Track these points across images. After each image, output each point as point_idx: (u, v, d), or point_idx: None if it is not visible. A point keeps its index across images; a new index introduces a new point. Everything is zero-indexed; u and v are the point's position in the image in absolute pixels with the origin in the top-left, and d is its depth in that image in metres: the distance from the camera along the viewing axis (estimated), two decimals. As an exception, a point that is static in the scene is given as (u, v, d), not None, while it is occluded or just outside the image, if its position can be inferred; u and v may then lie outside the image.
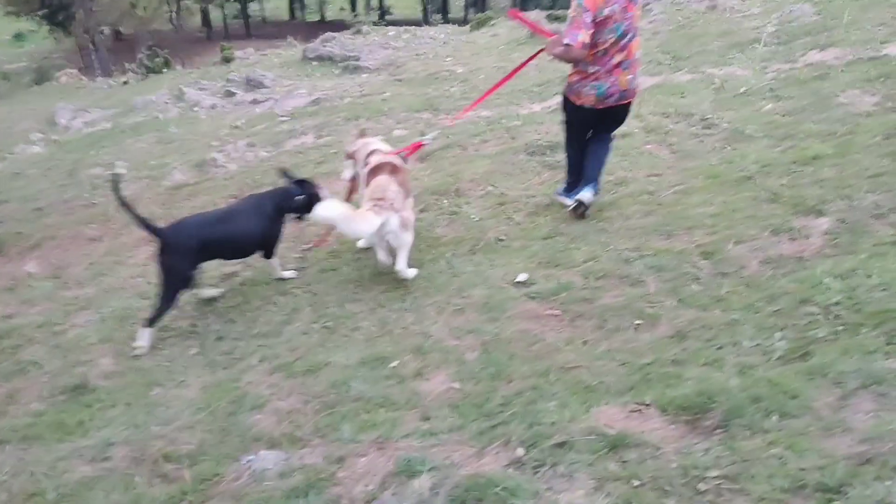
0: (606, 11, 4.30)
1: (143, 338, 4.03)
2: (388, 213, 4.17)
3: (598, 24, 4.32)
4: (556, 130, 6.05)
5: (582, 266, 4.23)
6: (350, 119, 9.74)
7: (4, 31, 42.65)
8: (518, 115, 7.91)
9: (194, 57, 20.94)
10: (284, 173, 4.76)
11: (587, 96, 4.59)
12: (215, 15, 46.75)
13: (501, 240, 4.83)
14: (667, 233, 4.44)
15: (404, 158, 4.78)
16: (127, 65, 20.12)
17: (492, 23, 16.83)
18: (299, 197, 4.58)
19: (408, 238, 4.33)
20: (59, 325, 4.59)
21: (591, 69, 4.49)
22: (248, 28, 45.45)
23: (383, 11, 49.28)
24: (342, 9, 51.73)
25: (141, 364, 3.95)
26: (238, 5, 46.15)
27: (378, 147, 4.80)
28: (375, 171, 4.46)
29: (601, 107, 4.60)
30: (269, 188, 4.94)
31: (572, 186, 5.07)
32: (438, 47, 15.32)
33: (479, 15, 18.91)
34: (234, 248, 4.41)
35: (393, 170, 4.46)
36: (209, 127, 11.05)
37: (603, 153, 4.90)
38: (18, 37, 39.10)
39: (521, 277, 4.19)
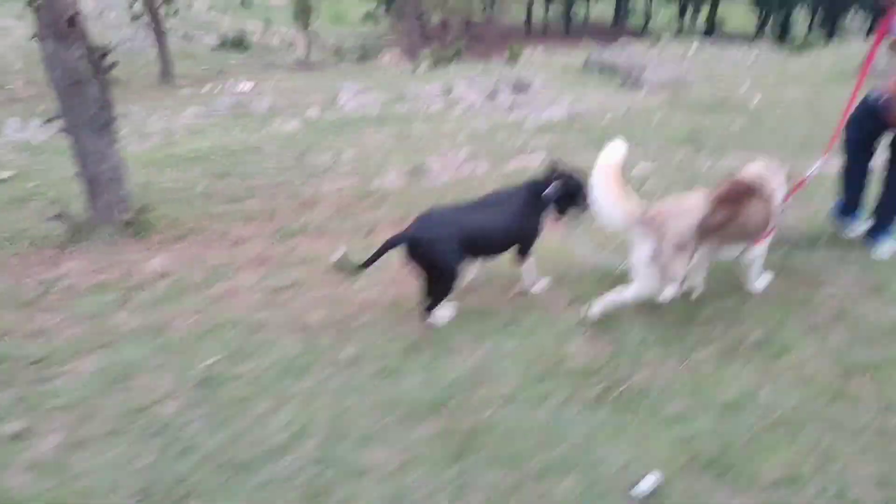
0: None
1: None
2: None
3: None
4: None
5: None
6: (590, 143, 8.45)
7: (358, 11, 47.72)
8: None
9: (495, 51, 20.82)
10: (554, 165, 3.90)
11: None
12: (540, 13, 47.26)
13: None
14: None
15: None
16: (422, 52, 20.73)
17: (813, 48, 14.03)
18: (547, 191, 3.74)
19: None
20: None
21: None
22: (568, 28, 45.14)
23: (713, 24, 45.58)
24: (670, 20, 49.10)
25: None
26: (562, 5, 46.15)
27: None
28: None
29: None
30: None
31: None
32: (741, 70, 13.15)
33: (807, 37, 15.95)
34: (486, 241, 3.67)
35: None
36: (452, 128, 10.49)
37: None
38: (368, 16, 43.04)
39: None
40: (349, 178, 8.09)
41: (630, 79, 12.94)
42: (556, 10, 48.37)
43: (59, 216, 5.40)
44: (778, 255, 3.98)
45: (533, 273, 3.86)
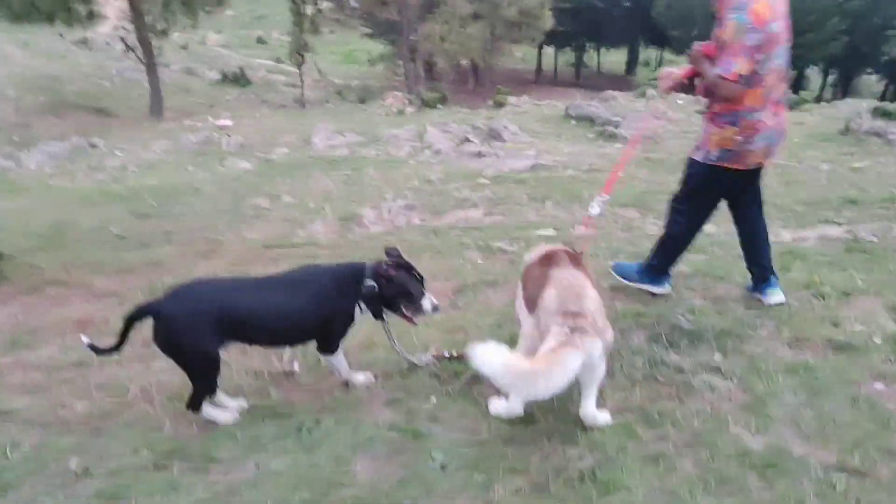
0: (775, 27, 3.28)
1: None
2: (591, 339, 2.63)
3: (765, 48, 3.26)
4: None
5: None
6: (536, 200, 7.90)
7: (369, 50, 47.93)
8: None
9: (489, 97, 20.48)
10: (388, 252, 3.28)
11: (754, 154, 3.53)
12: (550, 60, 47.27)
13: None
14: None
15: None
16: (404, 94, 20.40)
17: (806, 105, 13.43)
18: (369, 283, 3.08)
19: (604, 367, 2.82)
20: None
21: (757, 116, 3.40)
22: (578, 76, 45.06)
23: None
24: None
25: None
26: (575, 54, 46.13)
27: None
28: (546, 262, 3.06)
29: (760, 164, 3.65)
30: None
31: (662, 271, 4.07)
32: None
33: (818, 96, 15.38)
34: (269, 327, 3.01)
35: (574, 260, 3.07)
36: (404, 175, 9.98)
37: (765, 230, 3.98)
38: (373, 58, 43.18)
39: None
40: (274, 225, 7.61)
41: (606, 131, 12.39)
42: (567, 58, 48.37)
43: None
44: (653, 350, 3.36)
45: (342, 369, 3.25)
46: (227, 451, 2.76)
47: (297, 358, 3.51)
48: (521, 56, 46.76)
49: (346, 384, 3.26)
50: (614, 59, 53.32)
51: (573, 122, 13.74)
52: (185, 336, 2.75)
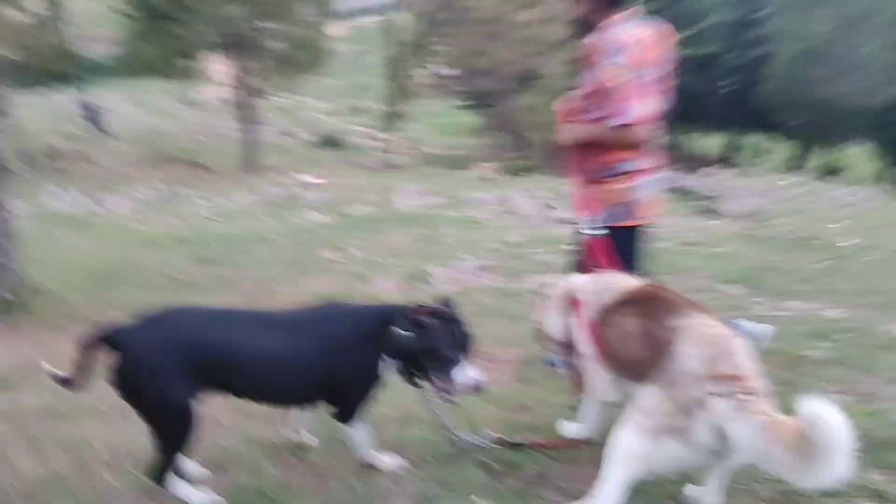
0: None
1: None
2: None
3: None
4: None
5: None
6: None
7: (462, 121, 48.51)
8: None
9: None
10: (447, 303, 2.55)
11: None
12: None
13: None
14: None
15: None
16: (493, 164, 20.03)
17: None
18: (404, 333, 2.35)
19: None
20: None
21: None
22: (672, 156, 43.91)
23: (831, 168, 42.78)
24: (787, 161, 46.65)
25: None
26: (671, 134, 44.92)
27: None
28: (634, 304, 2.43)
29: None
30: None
31: None
32: (840, 208, 11.40)
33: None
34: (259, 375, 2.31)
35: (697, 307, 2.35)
36: (483, 236, 9.36)
37: None
38: (465, 128, 43.42)
39: None
40: (337, 277, 7.16)
41: (707, 205, 11.47)
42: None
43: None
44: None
45: (363, 446, 2.49)
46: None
47: (312, 427, 2.80)
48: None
49: (368, 467, 2.52)
50: (709, 143, 51.95)
51: (669, 194, 12.90)
52: (149, 376, 2.09)
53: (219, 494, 2.34)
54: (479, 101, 34.83)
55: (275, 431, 2.77)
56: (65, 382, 2.23)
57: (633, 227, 3.19)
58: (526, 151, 24.05)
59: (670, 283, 6.26)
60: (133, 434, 2.70)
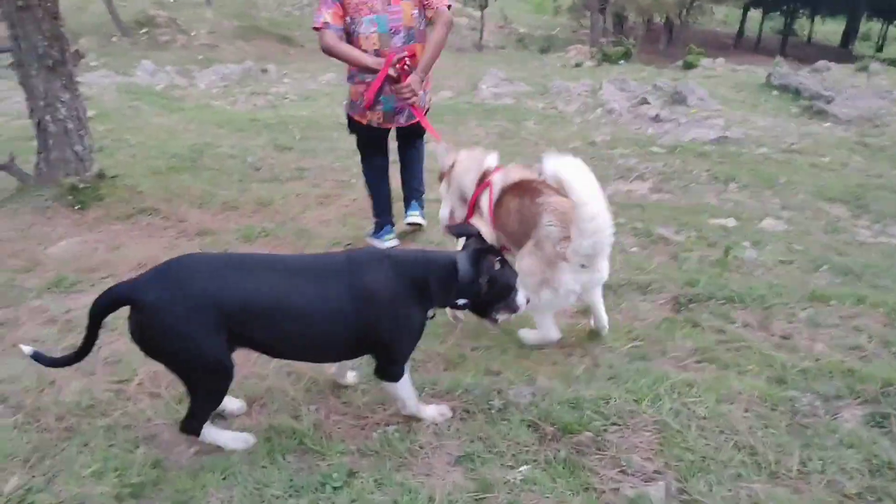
0: None
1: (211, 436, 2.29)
2: None
3: (351, 10, 3.56)
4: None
5: None
6: (717, 179, 6.59)
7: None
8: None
9: (680, 58, 18.30)
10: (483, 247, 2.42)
11: (374, 113, 3.84)
12: (754, 25, 42.68)
13: None
14: None
15: None
16: (587, 47, 18.84)
17: None
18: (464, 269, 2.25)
19: None
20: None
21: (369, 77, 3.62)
22: (785, 45, 40.30)
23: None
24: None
25: None
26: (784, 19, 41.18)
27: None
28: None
29: (391, 126, 4.00)
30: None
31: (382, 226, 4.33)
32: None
33: None
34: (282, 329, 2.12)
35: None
36: (567, 134, 8.92)
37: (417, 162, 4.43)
38: (555, 8, 41.03)
39: None
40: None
41: (815, 106, 10.45)
42: (775, 24, 43.48)
43: (2, 167, 4.65)
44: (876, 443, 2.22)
45: (409, 401, 2.37)
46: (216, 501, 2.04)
47: (357, 363, 2.69)
48: (722, 18, 42.65)
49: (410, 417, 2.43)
50: (829, 28, 47.28)
51: (775, 92, 11.81)
52: (172, 330, 1.97)
53: (254, 434, 2.33)
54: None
55: (318, 367, 2.70)
56: (61, 362, 2.13)
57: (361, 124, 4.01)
58: (623, 38, 22.50)
59: (763, 200, 5.90)
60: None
